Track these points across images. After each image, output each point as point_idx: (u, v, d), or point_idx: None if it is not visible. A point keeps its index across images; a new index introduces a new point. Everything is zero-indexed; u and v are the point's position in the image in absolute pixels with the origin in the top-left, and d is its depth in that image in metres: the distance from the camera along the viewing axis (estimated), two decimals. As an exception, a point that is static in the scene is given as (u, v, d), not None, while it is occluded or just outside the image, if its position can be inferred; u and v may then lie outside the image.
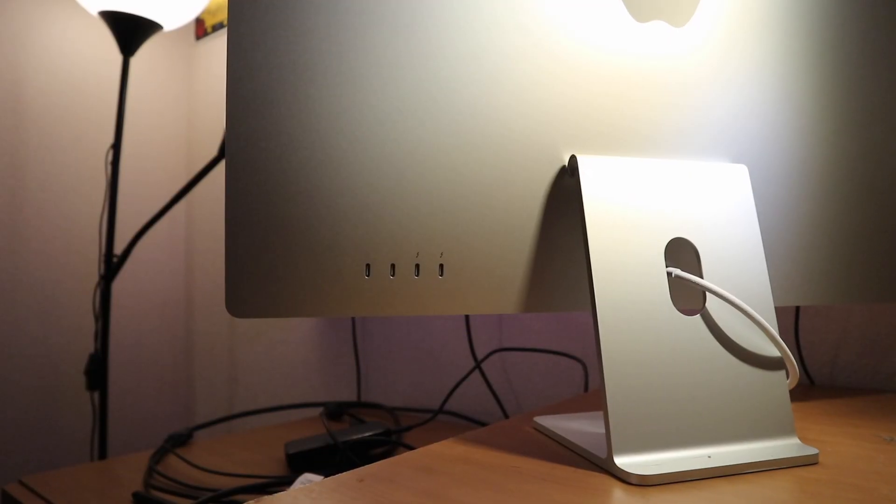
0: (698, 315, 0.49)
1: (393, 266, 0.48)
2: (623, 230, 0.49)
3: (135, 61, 1.60)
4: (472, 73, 0.49)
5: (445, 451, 0.51)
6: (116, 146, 1.42)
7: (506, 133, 0.50)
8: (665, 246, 0.50)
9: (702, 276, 0.51)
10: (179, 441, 0.94)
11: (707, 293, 0.50)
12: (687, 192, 0.52)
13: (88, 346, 1.50)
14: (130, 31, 1.40)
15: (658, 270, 0.49)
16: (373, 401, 1.27)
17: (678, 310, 0.49)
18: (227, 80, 0.44)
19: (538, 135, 0.51)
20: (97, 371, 1.39)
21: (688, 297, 0.52)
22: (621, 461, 0.44)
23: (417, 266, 0.48)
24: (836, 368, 0.82)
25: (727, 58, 0.56)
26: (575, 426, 0.56)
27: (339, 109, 0.46)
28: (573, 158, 0.51)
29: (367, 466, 0.48)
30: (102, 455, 1.35)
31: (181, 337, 1.74)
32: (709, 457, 0.45)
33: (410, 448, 0.74)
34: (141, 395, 1.64)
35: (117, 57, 1.59)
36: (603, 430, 0.54)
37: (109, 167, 1.42)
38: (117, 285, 1.58)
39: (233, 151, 0.45)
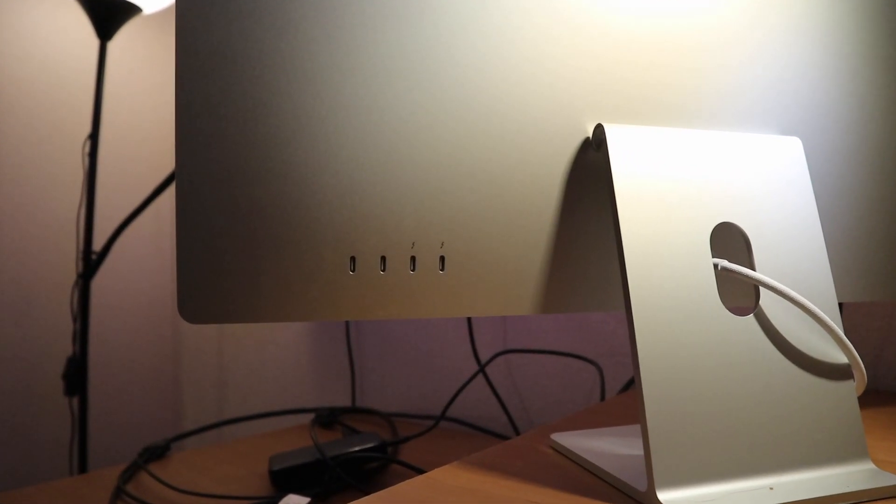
0: (751, 315, 0.41)
1: (383, 259, 0.39)
2: (661, 214, 0.41)
3: (113, 46, 1.51)
4: (478, 27, 0.41)
5: (448, 481, 0.43)
6: (94, 136, 1.34)
7: (518, 99, 0.42)
8: (710, 232, 0.42)
9: (753, 268, 0.42)
10: (155, 454, 0.86)
11: (761, 288, 0.42)
12: (734, 168, 0.44)
13: (66, 348, 1.41)
14: (108, 15, 1.33)
15: (703, 262, 0.41)
16: (368, 406, 1.19)
17: (727, 309, 0.41)
18: (177, 29, 0.36)
19: (556, 101, 0.42)
20: (76, 375, 1.32)
21: (737, 293, 0.44)
22: (666, 497, 0.36)
23: (413, 259, 0.40)
24: (879, 371, 0.74)
25: (769, 14, 0.47)
26: (601, 446, 0.47)
27: (315, 68, 0.38)
28: (599, 128, 0.42)
29: (358, 503, 0.39)
30: (83, 467, 1.27)
31: (167, 338, 1.65)
32: (771, 488, 0.37)
33: (407, 466, 0.66)
34: (124, 400, 1.55)
35: (94, 42, 1.50)
36: (636, 451, 0.46)
37: (87, 158, 1.34)
38: (97, 284, 1.49)
39: (184, 120, 0.36)
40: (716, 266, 0.41)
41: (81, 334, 1.32)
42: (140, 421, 1.58)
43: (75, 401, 1.33)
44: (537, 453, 0.49)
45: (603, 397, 0.84)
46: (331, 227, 0.38)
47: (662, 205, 0.41)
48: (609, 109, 0.44)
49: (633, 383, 0.78)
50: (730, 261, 0.42)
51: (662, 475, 0.36)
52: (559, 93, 0.43)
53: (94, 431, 1.45)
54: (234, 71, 0.37)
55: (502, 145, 0.41)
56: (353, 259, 0.39)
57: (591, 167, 0.43)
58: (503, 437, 0.93)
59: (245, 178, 0.37)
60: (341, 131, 0.38)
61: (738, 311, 0.41)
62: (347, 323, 1.24)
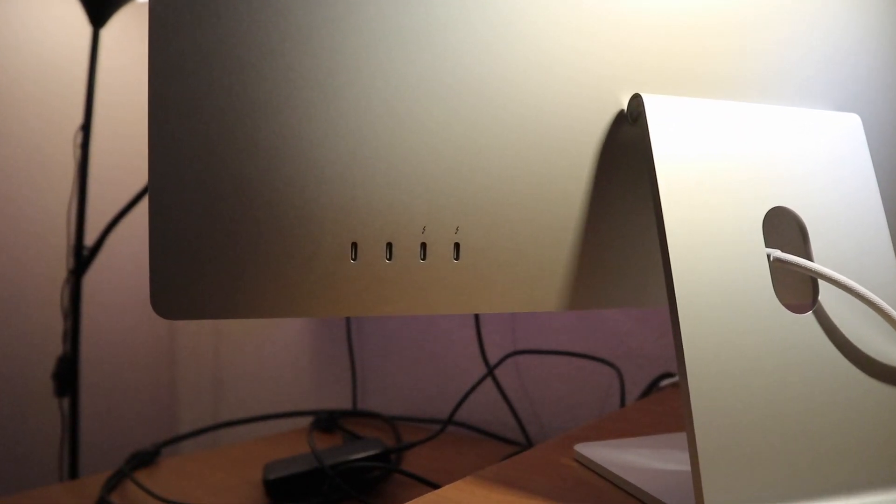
0: (810, 312, 0.36)
1: (389, 246, 0.34)
2: (708, 197, 0.36)
3: (106, 33, 1.46)
4: (498, -20, 0.36)
5: (463, 498, 0.38)
6: (86, 127, 1.29)
7: (543, 66, 0.36)
8: (763, 219, 0.37)
9: (810, 258, 0.37)
10: (144, 460, 0.81)
11: (820, 282, 0.37)
12: (788, 146, 0.39)
13: (57, 347, 1.36)
14: (101, 1, 1.28)
15: (756, 252, 0.36)
16: (370, 409, 1.13)
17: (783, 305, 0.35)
18: (147, -25, 0.31)
19: (585, 68, 0.37)
20: (67, 375, 1.27)
21: (791, 287, 0.38)
22: (721, 524, 0.31)
23: (424, 246, 0.35)
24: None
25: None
26: (633, 459, 0.42)
27: (312, 26, 0.33)
28: (636, 99, 0.37)
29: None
30: (73, 472, 1.22)
31: (162, 337, 1.60)
32: (839, 514, 0.32)
33: (412, 476, 0.61)
34: (117, 401, 1.50)
35: (86, 29, 1.45)
36: (673, 466, 0.40)
37: (79, 150, 1.29)
38: (89, 280, 1.44)
39: (158, 83, 0.31)
40: (768, 257, 0.36)
41: (73, 333, 1.27)
42: (134, 423, 1.54)
43: (66, 402, 1.28)
44: (560, 467, 0.44)
45: (623, 402, 0.78)
46: (329, 209, 0.33)
47: (709, 186, 0.36)
48: (645, 79, 0.38)
49: (654, 387, 0.73)
50: (783, 250, 0.37)
51: (713, 495, 0.31)
52: (589, 59, 0.37)
53: (85, 434, 1.40)
54: (217, 28, 0.31)
55: (525, 118, 0.36)
56: (354, 246, 0.33)
57: (626, 143, 0.38)
58: (513, 443, 0.88)
59: (228, 151, 0.31)
60: (341, 98, 0.33)
61: (795, 308, 0.36)
62: (348, 320, 1.19)
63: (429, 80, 0.34)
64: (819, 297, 0.36)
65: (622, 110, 0.38)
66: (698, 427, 0.32)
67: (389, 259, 0.34)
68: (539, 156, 0.36)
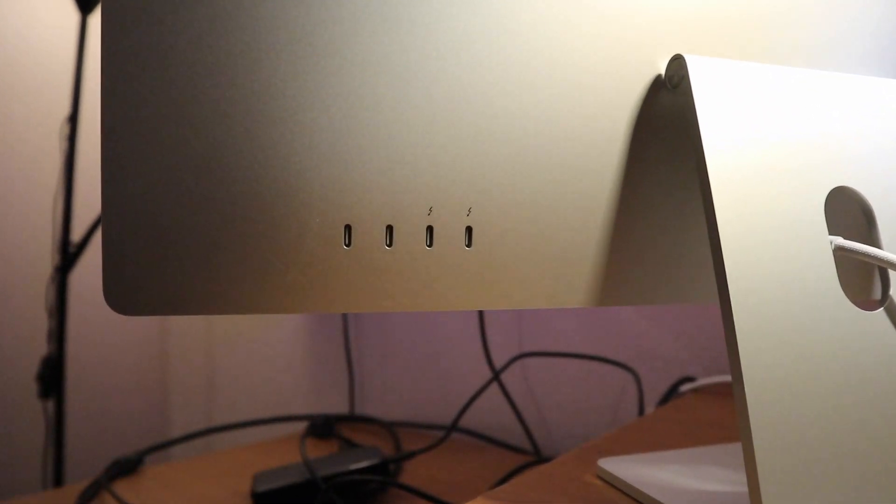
0: (881, 309, 0.31)
1: (390, 230, 0.29)
2: (763, 176, 0.31)
3: (94, 20, 1.41)
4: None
5: (474, 525, 0.33)
6: (73, 118, 1.25)
7: (567, 25, 0.31)
8: (825, 201, 0.31)
9: (879, 246, 0.32)
10: (126, 468, 0.75)
11: (892, 273, 0.31)
12: (852, 118, 0.33)
13: (41, 347, 1.31)
14: (89, -14, 1.24)
15: (818, 239, 0.31)
16: (368, 413, 1.08)
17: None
18: None
19: (618, 26, 0.32)
20: (51, 377, 1.23)
21: (858, 279, 0.33)
22: (789, 564, 0.25)
23: (430, 230, 0.29)
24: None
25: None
26: (666, 478, 0.37)
27: (299, -33, 0.27)
28: (678, 61, 0.32)
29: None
30: (58, 479, 1.17)
31: (153, 337, 1.55)
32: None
33: (413, 492, 0.56)
34: (105, 404, 1.45)
35: (74, 16, 1.40)
36: (715, 486, 0.35)
37: (65, 142, 1.24)
38: (75, 277, 1.39)
39: (110, 32, 0.26)
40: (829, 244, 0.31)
41: (58, 332, 1.23)
42: (123, 427, 1.48)
43: (51, 405, 1.23)
44: (583, 485, 0.38)
45: (641, 409, 0.73)
46: (317, 184, 0.28)
47: (764, 163, 0.31)
48: (685, 38, 0.33)
49: (674, 392, 0.68)
50: (844, 237, 0.32)
51: (777, 528, 0.26)
52: (621, 16, 0.32)
53: (71, 439, 1.34)
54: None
55: (549, 81, 0.31)
56: (348, 229, 0.28)
57: (664, 113, 0.33)
58: (519, 451, 0.83)
59: (196, 114, 0.26)
60: (335, 47, 0.28)
61: (864, 304, 0.31)
62: (345, 317, 1.13)
63: (438, 31, 0.29)
64: (890, 291, 0.31)
65: (659, 75, 0.33)
66: (758, 443, 0.27)
67: (389, 245, 0.29)
68: (564, 127, 0.31)
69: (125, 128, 0.25)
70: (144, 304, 0.26)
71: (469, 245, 0.30)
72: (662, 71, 0.33)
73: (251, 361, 1.38)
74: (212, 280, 0.27)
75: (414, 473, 0.73)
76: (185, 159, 0.26)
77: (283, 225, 0.27)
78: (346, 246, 0.28)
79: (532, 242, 0.31)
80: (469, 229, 0.30)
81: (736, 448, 0.43)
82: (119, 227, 0.26)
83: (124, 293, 0.26)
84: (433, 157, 0.29)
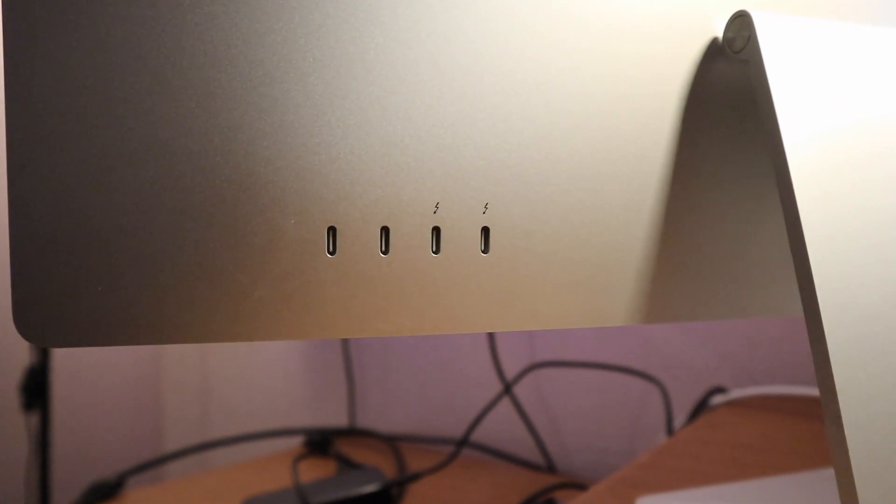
0: None
1: (385, 232, 0.23)
2: (854, 162, 0.25)
3: None
4: None
5: None
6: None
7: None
8: (926, 189, 0.25)
9: None
10: (105, 492, 0.70)
11: None
12: (951, 87, 0.27)
13: (24, 356, 1.25)
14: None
15: (922, 237, 0.24)
16: (368, 427, 1.02)
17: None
18: None
19: (665, -21, 0.26)
20: (35, 387, 1.17)
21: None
22: None
23: (437, 232, 0.23)
24: None
25: None
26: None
27: None
28: (742, 18, 0.26)
29: None
30: (43, 498, 1.11)
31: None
32: None
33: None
34: (95, 417, 1.39)
35: None
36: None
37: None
38: (65, 285, 1.34)
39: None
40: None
41: (42, 342, 1.17)
42: (113, 442, 1.42)
43: (35, 418, 1.17)
44: (620, 534, 0.32)
45: (671, 427, 0.67)
46: (293, 177, 0.22)
47: (854, 146, 0.25)
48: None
49: (704, 406, 0.62)
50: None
51: None
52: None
53: (57, 456, 1.28)
54: None
55: (579, 47, 0.25)
56: (332, 231, 0.22)
57: (724, 86, 0.27)
58: (533, 467, 0.77)
59: (129, 82, 0.20)
60: (326, 22, 0.21)
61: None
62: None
63: (443, 5, 0.23)
64: None
65: (716, 38, 0.27)
66: (860, 482, 0.21)
67: (385, 252, 0.23)
68: (602, 102, 0.25)
69: (30, 99, 0.19)
70: (66, 333, 0.20)
71: (485, 250, 0.24)
72: (720, 33, 0.27)
73: (247, 370, 1.32)
74: (155, 300, 0.21)
75: (419, 496, 0.67)
76: (115, 144, 0.20)
77: (248, 228, 0.21)
78: (330, 254, 0.22)
79: (562, 247, 0.25)
80: (485, 230, 0.24)
81: (783, 482, 0.37)
82: (30, 236, 0.20)
83: (39, 320, 0.20)
84: (440, 138, 0.23)
